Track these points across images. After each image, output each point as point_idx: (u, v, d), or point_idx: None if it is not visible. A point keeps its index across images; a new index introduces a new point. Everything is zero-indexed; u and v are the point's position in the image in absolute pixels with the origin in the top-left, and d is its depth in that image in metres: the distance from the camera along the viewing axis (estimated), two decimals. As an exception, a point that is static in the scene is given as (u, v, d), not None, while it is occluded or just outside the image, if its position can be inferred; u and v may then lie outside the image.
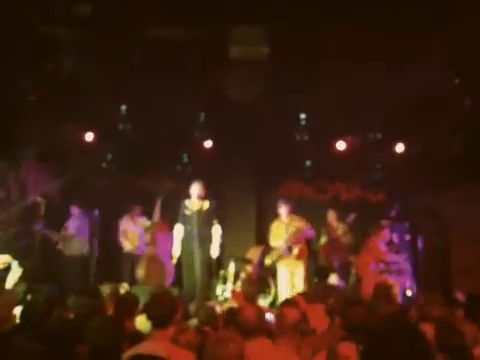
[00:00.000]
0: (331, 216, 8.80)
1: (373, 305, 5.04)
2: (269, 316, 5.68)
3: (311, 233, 8.23)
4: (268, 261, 8.19)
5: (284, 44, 7.06)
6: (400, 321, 2.77)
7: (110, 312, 4.39)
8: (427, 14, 6.54)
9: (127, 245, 8.71)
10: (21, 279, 6.31)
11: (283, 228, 8.16)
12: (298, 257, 8.06)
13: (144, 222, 8.71)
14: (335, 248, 8.65)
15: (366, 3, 6.35)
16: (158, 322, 3.51)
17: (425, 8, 6.46)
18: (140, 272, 8.02)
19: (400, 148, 9.07)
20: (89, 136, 9.04)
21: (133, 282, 8.01)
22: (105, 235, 8.35)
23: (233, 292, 7.55)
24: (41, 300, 4.11)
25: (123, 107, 8.85)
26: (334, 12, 6.53)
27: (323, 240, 8.81)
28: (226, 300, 7.22)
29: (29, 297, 4.81)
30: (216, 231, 7.56)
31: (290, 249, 8.07)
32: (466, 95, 8.22)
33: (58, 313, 4.43)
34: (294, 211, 8.28)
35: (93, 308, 3.98)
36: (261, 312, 3.88)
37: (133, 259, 8.51)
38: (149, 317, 3.56)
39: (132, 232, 8.77)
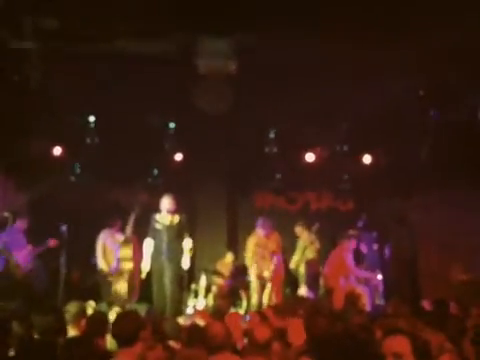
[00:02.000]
0: (300, 230, 8.82)
1: (342, 315, 5.10)
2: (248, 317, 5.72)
3: (278, 259, 8.19)
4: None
5: (251, 57, 7.13)
6: (358, 337, 2.81)
7: (77, 331, 4.35)
8: (392, 27, 6.68)
9: (102, 264, 8.31)
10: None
11: (254, 243, 8.17)
12: (272, 281, 8.02)
13: (120, 237, 8.49)
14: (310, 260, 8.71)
15: (332, 17, 6.46)
16: (123, 341, 3.48)
17: (390, 21, 6.60)
18: (120, 288, 7.89)
19: (367, 159, 9.23)
20: (57, 150, 8.94)
21: (107, 299, 7.86)
22: (74, 250, 8.20)
23: (197, 310, 7.50)
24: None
25: (91, 120, 8.79)
26: (300, 26, 6.62)
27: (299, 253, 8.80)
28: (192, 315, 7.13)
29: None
30: (187, 243, 7.51)
31: (260, 276, 8.05)
32: (431, 106, 8.42)
33: (24, 332, 4.37)
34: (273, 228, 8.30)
35: (55, 329, 3.92)
36: (227, 328, 3.89)
37: (107, 277, 8.24)
38: (114, 336, 3.54)
39: (109, 248, 8.40)
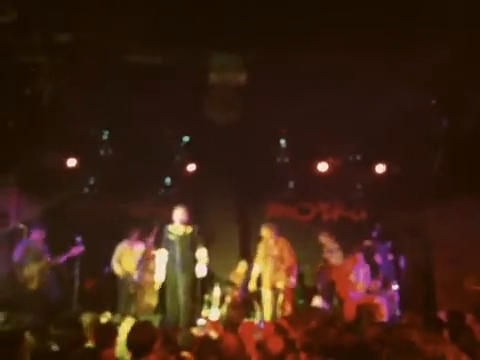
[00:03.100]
0: (325, 239, 8.79)
1: (354, 326, 5.05)
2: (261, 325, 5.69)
3: (294, 271, 8.13)
4: (252, 286, 8.14)
5: (262, 69, 7.15)
6: (371, 349, 2.78)
7: (90, 342, 4.35)
8: (404, 36, 6.68)
9: (118, 269, 8.24)
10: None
11: (263, 249, 8.15)
12: (285, 293, 7.97)
13: (141, 248, 8.43)
14: (324, 270, 8.67)
15: (343, 28, 6.47)
16: (137, 352, 3.50)
17: (401, 30, 6.60)
18: (152, 301, 7.85)
19: (380, 168, 9.17)
20: (71, 162, 9.01)
21: (127, 309, 7.83)
22: (88, 261, 8.22)
23: (209, 321, 7.48)
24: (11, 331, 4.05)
25: (104, 132, 8.87)
26: (311, 37, 6.65)
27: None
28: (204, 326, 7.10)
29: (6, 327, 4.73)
30: (202, 253, 7.49)
31: (273, 287, 8.00)
32: (443, 115, 8.37)
33: (38, 343, 4.38)
34: (280, 234, 8.26)
35: (74, 340, 3.92)
36: (241, 339, 3.87)
37: (127, 286, 8.14)
38: (128, 347, 3.56)
39: (128, 258, 8.35)
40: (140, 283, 8.04)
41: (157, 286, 7.52)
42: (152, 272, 8.03)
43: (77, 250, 8.09)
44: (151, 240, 7.98)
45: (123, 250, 8.41)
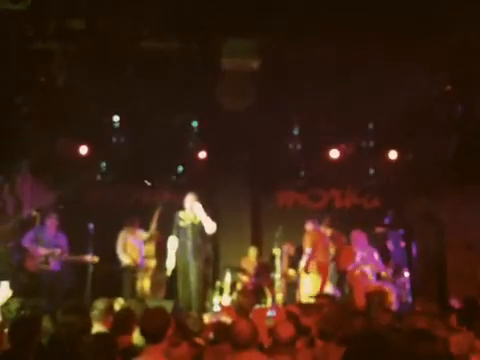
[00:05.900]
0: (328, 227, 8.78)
1: (365, 314, 5.06)
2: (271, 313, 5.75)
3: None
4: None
5: (275, 55, 7.11)
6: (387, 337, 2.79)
7: (105, 328, 4.39)
8: (418, 22, 6.60)
9: (125, 259, 8.41)
10: (15, 295, 6.29)
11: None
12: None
13: (142, 234, 8.61)
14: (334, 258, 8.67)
15: (356, 14, 6.41)
16: (151, 337, 3.52)
17: (416, 15, 6.52)
18: (144, 285, 7.96)
19: (393, 155, 9.10)
20: (83, 149, 9.06)
21: (133, 295, 7.97)
22: (101, 248, 8.29)
23: (223, 306, 7.53)
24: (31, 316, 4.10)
25: (117, 119, 8.88)
26: (324, 23, 6.59)
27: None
28: (218, 312, 7.17)
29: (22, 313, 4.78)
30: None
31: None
32: (458, 101, 8.27)
33: (51, 329, 4.43)
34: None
35: (79, 326, 3.95)
36: (254, 325, 3.88)
37: (133, 272, 8.38)
38: (142, 333, 3.58)
39: (132, 245, 8.51)
40: (143, 268, 8.27)
41: (168, 272, 7.57)
42: (147, 257, 8.23)
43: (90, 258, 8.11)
44: (153, 225, 8.09)
45: (125, 238, 8.54)
